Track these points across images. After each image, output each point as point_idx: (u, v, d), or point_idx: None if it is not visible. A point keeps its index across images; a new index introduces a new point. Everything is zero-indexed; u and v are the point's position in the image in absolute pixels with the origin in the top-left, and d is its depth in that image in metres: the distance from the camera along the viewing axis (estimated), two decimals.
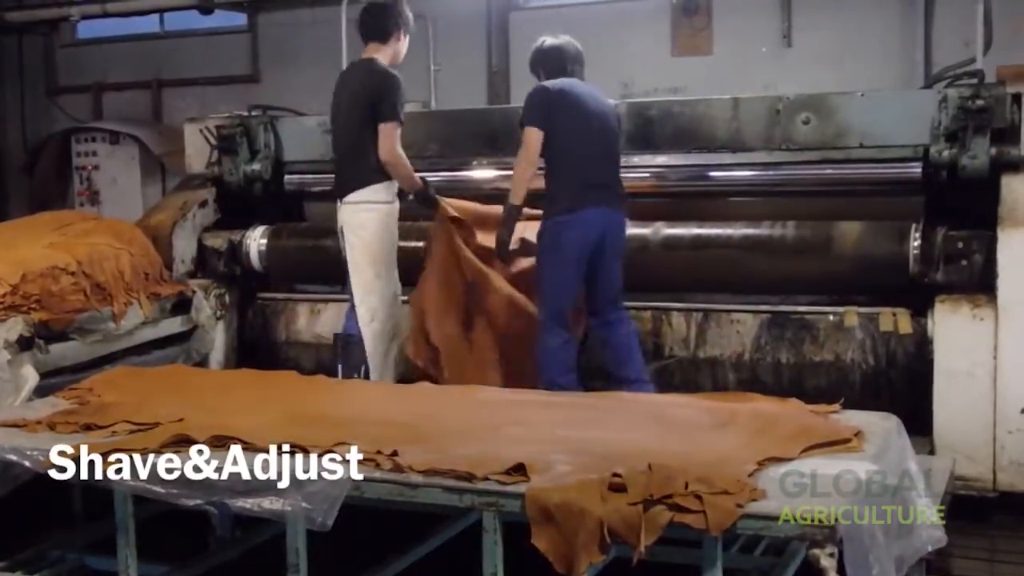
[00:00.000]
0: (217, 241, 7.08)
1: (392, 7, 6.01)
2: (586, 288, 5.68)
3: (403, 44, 6.05)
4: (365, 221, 5.84)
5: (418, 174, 5.99)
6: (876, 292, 5.82)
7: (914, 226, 5.66)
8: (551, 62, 5.82)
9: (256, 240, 7.00)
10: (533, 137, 5.55)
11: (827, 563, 2.96)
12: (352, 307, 5.95)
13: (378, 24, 6.00)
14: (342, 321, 6.27)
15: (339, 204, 5.93)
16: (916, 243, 5.59)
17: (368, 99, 5.82)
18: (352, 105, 5.91)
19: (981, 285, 5.36)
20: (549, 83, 5.71)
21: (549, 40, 5.87)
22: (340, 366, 6.02)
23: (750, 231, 6.03)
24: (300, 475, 3.44)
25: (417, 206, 6.05)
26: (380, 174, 5.83)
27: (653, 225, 6.16)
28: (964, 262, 5.47)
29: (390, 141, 5.75)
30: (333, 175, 6.16)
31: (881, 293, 5.80)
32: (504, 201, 5.71)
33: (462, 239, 5.98)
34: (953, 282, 5.45)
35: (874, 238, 5.77)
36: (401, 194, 5.99)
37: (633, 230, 5.94)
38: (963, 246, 5.50)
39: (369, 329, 5.85)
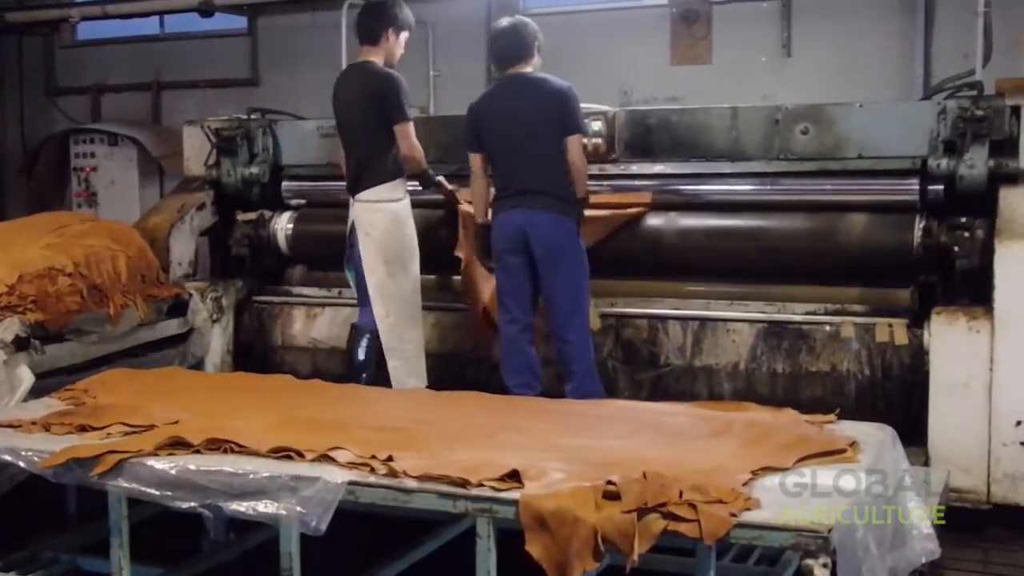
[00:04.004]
0: (250, 216, 7.16)
1: (383, 8, 6.10)
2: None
3: (396, 44, 6.13)
4: (376, 220, 5.97)
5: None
6: (881, 275, 5.85)
7: (918, 216, 5.70)
8: (494, 58, 5.92)
9: (283, 226, 7.06)
10: (473, 163, 5.87)
11: (820, 573, 2.96)
12: (364, 301, 6.07)
13: (370, 26, 6.10)
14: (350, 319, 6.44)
15: (352, 201, 6.05)
16: (920, 225, 5.65)
17: (373, 102, 5.94)
18: (359, 108, 6.02)
19: (978, 296, 5.37)
20: (475, 102, 5.89)
21: (495, 28, 5.94)
22: (352, 357, 6.16)
23: (758, 222, 6.07)
24: (294, 479, 3.45)
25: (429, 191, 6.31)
26: (389, 174, 5.96)
27: (667, 216, 6.21)
28: (967, 234, 5.50)
29: (408, 139, 5.92)
30: (331, 179, 6.28)
31: (885, 276, 5.83)
32: None
33: None
34: (959, 254, 5.48)
35: (879, 225, 5.81)
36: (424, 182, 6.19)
37: (649, 221, 6.15)
38: (966, 221, 5.55)
39: (384, 323, 5.98)
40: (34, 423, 4.17)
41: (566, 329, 5.68)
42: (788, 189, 6.06)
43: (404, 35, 6.16)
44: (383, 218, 5.96)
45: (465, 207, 6.28)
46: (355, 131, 6.06)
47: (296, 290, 7.20)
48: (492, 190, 5.86)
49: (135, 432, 3.98)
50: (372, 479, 3.47)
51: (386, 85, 5.92)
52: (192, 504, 3.56)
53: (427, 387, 5.80)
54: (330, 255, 6.74)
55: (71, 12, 12.22)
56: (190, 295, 6.59)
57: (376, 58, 6.05)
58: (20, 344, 5.24)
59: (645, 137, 6.30)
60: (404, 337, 5.99)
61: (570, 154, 5.66)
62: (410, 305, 6.03)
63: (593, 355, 5.75)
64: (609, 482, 3.19)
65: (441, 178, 6.29)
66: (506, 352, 5.81)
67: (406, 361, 5.98)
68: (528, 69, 5.82)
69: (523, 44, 5.81)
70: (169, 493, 3.57)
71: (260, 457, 3.64)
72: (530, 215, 5.64)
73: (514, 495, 3.24)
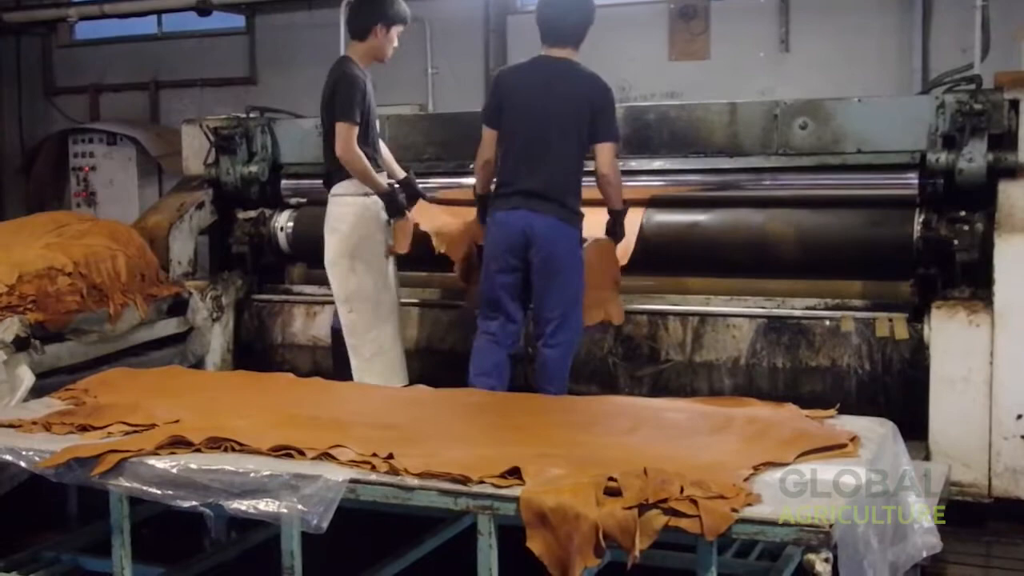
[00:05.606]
0: (251, 214, 7.13)
1: (370, 3, 5.92)
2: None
3: (385, 39, 5.89)
4: (342, 215, 5.85)
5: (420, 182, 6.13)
6: (880, 270, 5.86)
7: (917, 210, 5.71)
8: (539, 26, 5.46)
9: (284, 224, 7.03)
10: (486, 138, 5.50)
11: (822, 568, 2.95)
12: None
13: (355, 21, 5.96)
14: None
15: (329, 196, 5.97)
16: (920, 219, 5.66)
17: (329, 96, 5.81)
18: (324, 104, 5.89)
19: (978, 290, 5.37)
20: (505, 68, 5.63)
21: None
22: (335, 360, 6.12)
23: (757, 218, 6.07)
24: (295, 477, 3.45)
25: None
26: None
27: (666, 211, 6.21)
28: (966, 227, 5.50)
29: (342, 140, 5.68)
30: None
31: (885, 271, 5.84)
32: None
33: None
34: (958, 247, 5.47)
35: (878, 219, 5.82)
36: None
37: (648, 217, 6.11)
38: (965, 214, 5.55)
39: (347, 320, 5.89)
40: (35, 423, 4.16)
41: (551, 342, 5.39)
42: (787, 184, 6.07)
43: (396, 29, 5.91)
44: (352, 212, 5.82)
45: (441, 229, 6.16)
46: (324, 126, 5.94)
47: (296, 288, 7.20)
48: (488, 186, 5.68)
49: (136, 431, 3.98)
50: (373, 477, 3.47)
51: (339, 83, 5.77)
52: (193, 503, 3.56)
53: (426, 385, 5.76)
54: None
55: (69, 12, 12.25)
56: (190, 294, 6.59)
57: (356, 53, 5.89)
58: (20, 344, 5.23)
59: (644, 133, 6.29)
60: (366, 336, 5.86)
61: (600, 164, 5.33)
62: (375, 302, 5.86)
63: (567, 376, 5.50)
64: (610, 478, 3.18)
65: (420, 206, 6.08)
66: (474, 356, 5.53)
67: (367, 360, 5.84)
68: (573, 56, 5.42)
69: (578, 24, 5.41)
70: (170, 492, 3.57)
71: (261, 455, 3.64)
72: (532, 218, 5.29)
73: (515, 492, 3.23)
